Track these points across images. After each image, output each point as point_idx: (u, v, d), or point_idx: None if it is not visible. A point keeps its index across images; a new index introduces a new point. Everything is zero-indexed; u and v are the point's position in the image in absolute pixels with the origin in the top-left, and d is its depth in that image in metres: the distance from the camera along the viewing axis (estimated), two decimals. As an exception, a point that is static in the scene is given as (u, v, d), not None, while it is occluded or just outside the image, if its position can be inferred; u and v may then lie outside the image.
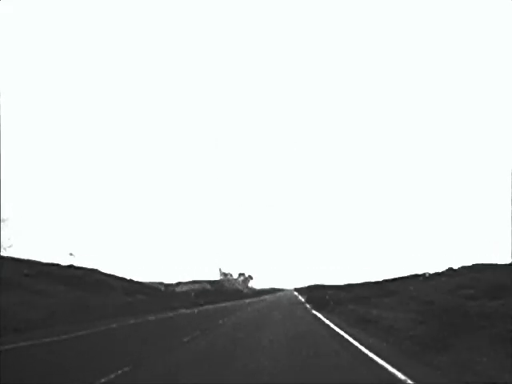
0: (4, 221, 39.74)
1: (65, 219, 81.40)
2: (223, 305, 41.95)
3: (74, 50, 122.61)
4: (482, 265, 34.11)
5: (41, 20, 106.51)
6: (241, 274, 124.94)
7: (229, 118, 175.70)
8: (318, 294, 42.92)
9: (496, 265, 34.08)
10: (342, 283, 70.36)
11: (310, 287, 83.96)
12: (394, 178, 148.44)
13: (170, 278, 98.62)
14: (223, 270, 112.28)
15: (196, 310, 30.73)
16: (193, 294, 63.27)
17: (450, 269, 36.24)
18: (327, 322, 19.52)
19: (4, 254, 39.50)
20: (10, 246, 40.75)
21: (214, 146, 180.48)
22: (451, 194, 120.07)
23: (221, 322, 19.90)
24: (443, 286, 27.33)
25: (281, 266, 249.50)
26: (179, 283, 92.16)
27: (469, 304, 17.30)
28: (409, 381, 7.11)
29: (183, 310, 30.28)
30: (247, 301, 55.81)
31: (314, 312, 27.63)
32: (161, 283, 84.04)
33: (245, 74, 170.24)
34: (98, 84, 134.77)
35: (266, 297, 78.04)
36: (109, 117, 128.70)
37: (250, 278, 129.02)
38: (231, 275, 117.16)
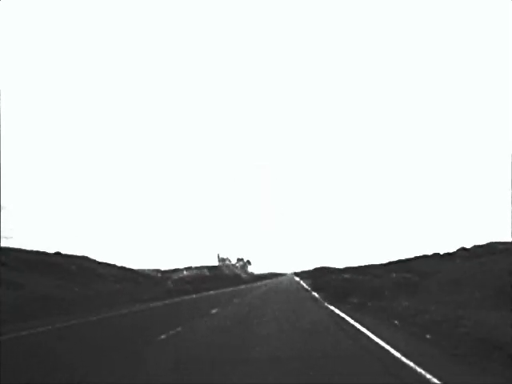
0: (4, 208, 37.70)
1: (64, 208, 79.83)
2: (207, 294, 36.10)
3: (74, 50, 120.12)
4: (499, 243, 31.44)
5: (41, 20, 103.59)
6: (239, 259, 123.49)
7: (229, 115, 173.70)
8: (326, 279, 34.30)
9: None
10: (348, 265, 61.93)
11: (316, 270, 72.80)
12: (394, 175, 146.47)
13: (168, 265, 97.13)
14: (221, 256, 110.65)
15: (177, 300, 27.93)
16: (172, 281, 60.77)
17: (463, 248, 33.90)
18: (382, 343, 9.08)
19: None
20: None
21: (212, 133, 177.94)
22: (452, 177, 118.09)
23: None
24: (488, 267, 19.71)
25: (280, 251, 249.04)
26: (176, 269, 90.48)
27: None
28: None
29: (158, 303, 25.14)
30: (242, 287, 53.18)
31: (336, 310, 16.89)
32: (157, 270, 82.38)
33: (246, 75, 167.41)
34: (99, 82, 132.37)
35: (262, 283, 75.19)
36: (105, 110, 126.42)
37: (249, 262, 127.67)
38: (229, 260, 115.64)
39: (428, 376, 6.22)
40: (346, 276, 30.67)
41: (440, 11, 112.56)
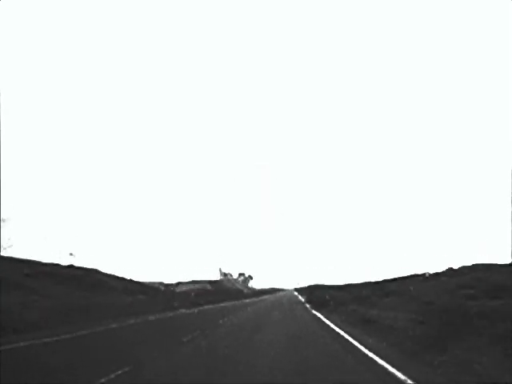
0: (4, 221, 39.80)
1: (66, 220, 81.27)
2: (213, 306, 40.69)
3: (74, 51, 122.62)
4: (482, 265, 34.14)
5: (41, 20, 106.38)
6: (241, 274, 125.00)
7: (228, 116, 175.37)
8: (318, 294, 43.29)
9: (496, 265, 34.06)
10: (342, 283, 71.07)
11: (310, 287, 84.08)
12: (394, 179, 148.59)
13: (170, 278, 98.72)
14: (223, 270, 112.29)
15: (196, 311, 30.70)
16: (192, 294, 63.20)
17: (450, 269, 36.24)
18: (327, 321, 19.46)
19: (4, 253, 39.61)
20: (10, 246, 40.81)
21: (215, 146, 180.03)
22: (450, 195, 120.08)
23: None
24: (443, 286, 27.60)
25: (281, 266, 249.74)
26: (179, 283, 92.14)
27: (469, 304, 17.22)
28: (409, 381, 7.10)
29: (183, 310, 30.19)
30: (247, 300, 55.47)
31: (314, 312, 27.50)
32: (161, 283, 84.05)
33: (246, 76, 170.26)
34: (99, 86, 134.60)
35: (266, 297, 77.77)
36: (111, 119, 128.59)
37: (250, 277, 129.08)
38: (231, 275, 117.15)
39: (337, 330, 15.63)
40: (330, 291, 42.84)
41: (440, 11, 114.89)
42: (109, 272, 49.43)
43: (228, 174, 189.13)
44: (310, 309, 32.25)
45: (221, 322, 20.05)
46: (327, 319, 20.78)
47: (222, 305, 41.93)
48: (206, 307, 36.16)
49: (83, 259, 53.43)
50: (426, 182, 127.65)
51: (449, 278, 34.15)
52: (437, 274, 36.28)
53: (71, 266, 45.23)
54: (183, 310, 30.12)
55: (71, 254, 51.49)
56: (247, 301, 56.95)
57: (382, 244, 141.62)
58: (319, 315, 24.18)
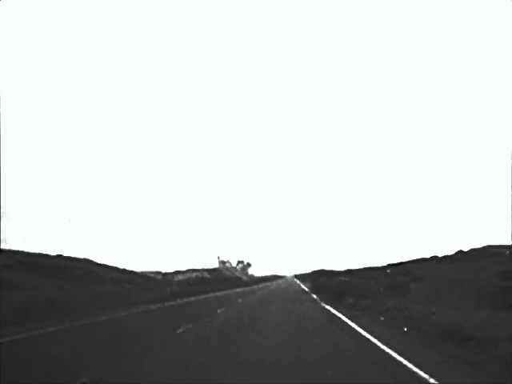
0: (4, 214, 37.98)
1: (64, 210, 79.45)
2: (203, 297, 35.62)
3: (74, 50, 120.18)
4: (492, 246, 32.03)
5: (41, 20, 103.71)
6: (239, 262, 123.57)
7: (228, 116, 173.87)
8: (324, 281, 35.43)
9: (507, 246, 31.73)
10: (347, 268, 61.96)
11: (315, 273, 73.85)
12: (403, 160, 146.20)
13: (168, 267, 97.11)
14: (221, 258, 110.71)
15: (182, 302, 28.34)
16: (191, 281, 61.60)
17: (460, 251, 34.18)
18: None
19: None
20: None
21: (215, 146, 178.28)
22: (450, 180, 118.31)
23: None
24: (483, 270, 21.76)
25: (280, 253, 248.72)
26: (177, 272, 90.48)
27: None
28: None
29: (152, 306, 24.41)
30: (238, 290, 52.81)
31: (334, 311, 17.43)
32: (158, 272, 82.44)
33: (247, 76, 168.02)
34: (99, 85, 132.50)
35: (262, 285, 75.39)
36: (107, 110, 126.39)
37: (249, 265, 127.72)
38: (230, 263, 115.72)
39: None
40: (343, 278, 31.70)
41: (440, 11, 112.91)
42: (101, 261, 47.83)
43: (228, 174, 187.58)
44: (319, 302, 23.36)
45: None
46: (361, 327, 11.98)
47: (225, 292, 39.92)
48: (192, 298, 33.99)
49: (81, 249, 51.65)
50: (426, 169, 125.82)
51: (477, 260, 27.83)
52: (447, 257, 34.03)
53: (59, 256, 43.40)
54: (169, 303, 27.90)
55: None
56: (244, 289, 54.86)
57: (382, 230, 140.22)
58: (345, 319, 14.30)
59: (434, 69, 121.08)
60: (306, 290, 42.55)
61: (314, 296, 29.41)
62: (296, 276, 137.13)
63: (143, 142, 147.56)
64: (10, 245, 39.35)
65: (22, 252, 37.54)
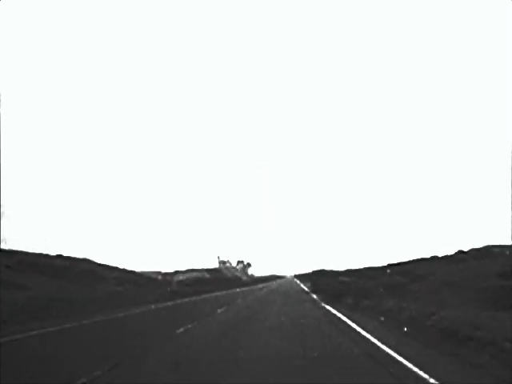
0: (4, 214, 37.91)
1: (64, 210, 79.53)
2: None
3: (74, 50, 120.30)
4: (494, 246, 32.09)
5: (41, 20, 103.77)
6: (239, 262, 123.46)
7: (228, 116, 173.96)
8: (324, 281, 35.62)
9: (508, 246, 31.69)
10: (347, 268, 61.94)
11: (314, 273, 73.58)
12: (403, 159, 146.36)
13: (168, 267, 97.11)
14: (222, 258, 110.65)
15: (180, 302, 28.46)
16: (191, 281, 61.61)
17: (460, 251, 34.23)
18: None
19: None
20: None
21: (215, 145, 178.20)
22: (450, 180, 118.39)
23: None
24: (482, 269, 21.95)
25: (280, 253, 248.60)
26: (177, 272, 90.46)
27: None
28: None
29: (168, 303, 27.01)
30: (238, 290, 52.86)
31: (336, 313, 17.06)
32: (159, 272, 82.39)
33: (246, 75, 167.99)
34: (99, 85, 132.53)
35: (263, 285, 75.52)
36: (105, 111, 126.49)
37: (249, 265, 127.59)
38: (230, 263, 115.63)
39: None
40: (343, 279, 32.31)
41: (440, 11, 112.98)
42: (101, 261, 47.79)
43: (228, 174, 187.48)
44: (319, 302, 23.69)
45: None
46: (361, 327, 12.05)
47: (226, 292, 40.00)
48: (193, 298, 34.12)
49: (81, 249, 51.64)
50: (426, 169, 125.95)
51: (475, 260, 28.74)
52: (447, 257, 34.10)
53: (60, 256, 43.39)
54: (169, 303, 27.99)
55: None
56: (245, 289, 54.92)
57: (382, 230, 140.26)
58: (344, 318, 14.69)
59: (434, 68, 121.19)
60: (306, 290, 42.57)
61: (314, 296, 29.48)
62: (296, 276, 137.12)
63: (143, 142, 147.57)
64: (10, 245, 39.33)
65: (22, 252, 37.55)
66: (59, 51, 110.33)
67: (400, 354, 7.99)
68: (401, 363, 7.38)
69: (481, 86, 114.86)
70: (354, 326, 12.57)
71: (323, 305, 21.29)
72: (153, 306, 23.34)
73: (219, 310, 19.70)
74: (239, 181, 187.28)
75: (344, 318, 14.67)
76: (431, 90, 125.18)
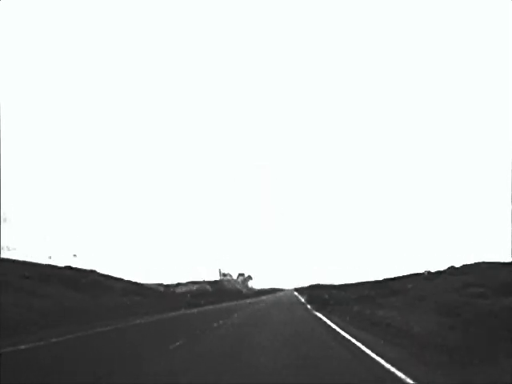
0: (5, 220, 39.10)
1: (65, 220, 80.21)
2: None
3: (74, 50, 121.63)
4: (485, 263, 33.33)
5: (40, 20, 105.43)
6: (240, 274, 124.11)
7: (228, 115, 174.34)
8: (318, 294, 42.30)
9: (499, 263, 33.16)
10: (343, 282, 69.11)
11: (311, 287, 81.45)
12: (393, 176, 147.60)
13: (170, 279, 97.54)
14: (223, 271, 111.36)
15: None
16: (188, 295, 62.23)
17: (452, 267, 35.45)
18: (330, 323, 18.56)
19: (4, 255, 38.93)
20: (13, 249, 40.22)
21: (215, 146, 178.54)
22: (447, 193, 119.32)
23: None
24: (448, 285, 26.79)
25: (281, 266, 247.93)
26: (178, 284, 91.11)
27: (479, 302, 16.44)
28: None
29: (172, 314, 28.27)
30: (246, 301, 54.19)
31: (316, 313, 26.58)
32: (160, 284, 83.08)
33: (246, 75, 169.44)
34: (99, 85, 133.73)
35: (265, 297, 76.64)
36: (111, 120, 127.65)
37: (250, 278, 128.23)
38: (231, 275, 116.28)
39: (342, 333, 14.67)
40: (332, 291, 42.05)
41: (440, 10, 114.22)
42: (107, 273, 48.81)
43: (228, 174, 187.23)
44: (311, 309, 31.16)
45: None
46: (330, 320, 19.95)
47: (211, 308, 41.10)
48: (199, 309, 35.21)
49: (83, 260, 52.54)
50: (424, 180, 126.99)
51: (452, 276, 33.31)
52: (439, 273, 35.49)
53: (68, 267, 44.48)
54: (172, 314, 29.04)
55: (74, 256, 50.65)
56: (247, 301, 55.86)
57: (382, 243, 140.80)
58: (320, 315, 23.68)
59: (435, 76, 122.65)
60: (303, 301, 49.22)
61: (309, 306, 36.84)
62: (296, 289, 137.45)
63: (144, 147, 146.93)
64: (13, 252, 40.37)
65: (30, 263, 38.66)
66: (59, 51, 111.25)
67: (345, 331, 14.72)
68: (343, 335, 13.83)
69: (480, 91, 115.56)
70: (325, 320, 20.63)
71: (314, 312, 28.20)
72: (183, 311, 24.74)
73: (235, 315, 25.71)
74: (239, 181, 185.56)
75: (322, 317, 22.73)
76: (430, 96, 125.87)
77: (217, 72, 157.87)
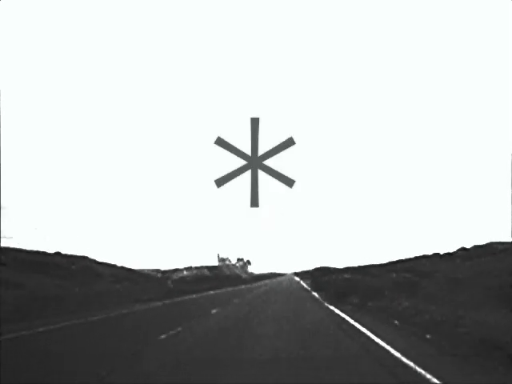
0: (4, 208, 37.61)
1: (64, 207, 79.24)
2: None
3: (73, 50, 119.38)
4: (496, 243, 31.53)
5: (40, 20, 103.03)
6: (239, 259, 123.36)
7: (227, 115, 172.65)
8: (325, 279, 34.42)
9: (510, 243, 31.17)
10: (349, 265, 60.03)
11: (316, 270, 70.31)
12: (404, 156, 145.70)
13: (167, 265, 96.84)
14: (221, 256, 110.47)
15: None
16: (190, 279, 61.36)
17: (463, 248, 33.82)
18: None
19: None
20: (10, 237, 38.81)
21: (211, 133, 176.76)
22: (453, 178, 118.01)
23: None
24: (482, 267, 21.11)
25: (280, 250, 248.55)
26: (176, 269, 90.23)
27: None
28: None
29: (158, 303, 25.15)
30: (244, 286, 52.75)
31: (337, 311, 16.70)
32: (157, 270, 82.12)
33: (246, 75, 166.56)
34: (98, 83, 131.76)
35: (263, 283, 75.39)
36: (104, 109, 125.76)
37: (249, 262, 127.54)
38: (229, 260, 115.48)
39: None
40: (346, 276, 30.35)
41: (440, 11, 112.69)
42: (100, 259, 47.46)
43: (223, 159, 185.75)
44: (322, 301, 22.46)
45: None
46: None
47: (226, 290, 39.71)
48: (194, 296, 33.74)
49: (81, 246, 51.31)
50: (427, 165, 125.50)
51: (479, 257, 27.22)
52: (449, 254, 33.71)
53: (58, 254, 43.01)
54: (168, 301, 27.54)
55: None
56: (244, 287, 54.67)
57: (382, 227, 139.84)
58: (351, 321, 13.15)
59: (435, 69, 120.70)
60: (307, 288, 41.31)
61: (316, 295, 28.41)
62: (296, 274, 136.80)
63: (142, 138, 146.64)
64: (11, 240, 39.09)
65: (19, 249, 37.14)
66: (59, 51, 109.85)
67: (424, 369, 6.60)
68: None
69: (482, 84, 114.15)
70: (364, 330, 11.04)
71: (326, 305, 20.11)
72: (151, 305, 22.97)
73: (235, 300, 24.86)
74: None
75: (352, 322, 13.05)
76: (433, 88, 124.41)
77: (217, 73, 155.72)
